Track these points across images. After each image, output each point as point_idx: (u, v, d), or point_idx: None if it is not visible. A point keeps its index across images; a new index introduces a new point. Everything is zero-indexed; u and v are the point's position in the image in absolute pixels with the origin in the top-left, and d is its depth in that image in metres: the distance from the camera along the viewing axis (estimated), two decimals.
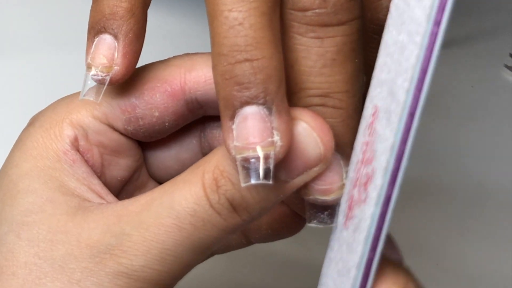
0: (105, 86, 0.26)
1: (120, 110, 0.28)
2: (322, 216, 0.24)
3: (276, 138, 0.22)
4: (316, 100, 0.23)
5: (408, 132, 0.22)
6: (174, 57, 0.28)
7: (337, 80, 0.23)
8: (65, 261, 0.25)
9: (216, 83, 0.23)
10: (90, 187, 0.27)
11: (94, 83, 0.27)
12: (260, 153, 0.22)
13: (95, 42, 0.27)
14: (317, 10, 0.23)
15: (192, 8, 0.49)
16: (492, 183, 0.44)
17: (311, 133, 0.23)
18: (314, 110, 0.23)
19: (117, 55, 0.26)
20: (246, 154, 0.22)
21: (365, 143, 0.23)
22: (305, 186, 0.24)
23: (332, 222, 0.24)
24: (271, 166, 0.22)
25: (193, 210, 0.24)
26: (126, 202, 0.26)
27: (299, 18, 0.23)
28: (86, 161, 0.28)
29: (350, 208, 0.23)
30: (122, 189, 0.29)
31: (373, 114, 0.22)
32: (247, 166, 0.23)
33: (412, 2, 0.21)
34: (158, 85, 0.27)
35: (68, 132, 0.28)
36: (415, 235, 0.42)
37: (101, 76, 0.26)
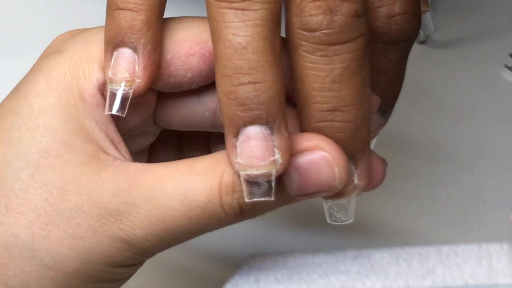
0: (129, 99, 0.27)
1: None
2: (338, 214, 0.26)
3: (277, 156, 0.24)
4: (326, 116, 0.25)
5: None
6: None
7: (345, 95, 0.24)
8: (73, 214, 0.26)
9: (220, 101, 0.24)
10: (107, 134, 0.28)
11: (118, 97, 0.27)
12: (263, 171, 0.24)
13: (114, 55, 0.27)
14: (325, 31, 0.24)
15: (193, 8, 0.49)
16: (492, 182, 0.44)
17: (332, 167, 0.25)
18: (325, 125, 0.25)
19: (138, 68, 0.27)
20: (249, 171, 0.24)
21: None
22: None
23: (348, 219, 0.26)
24: (273, 184, 0.24)
25: (204, 204, 0.26)
26: (140, 168, 0.27)
27: (307, 38, 0.24)
28: None
29: None
30: (126, 131, 0.30)
31: None
32: (250, 182, 0.25)
33: None
34: (197, 48, 0.28)
35: (98, 75, 0.28)
36: (415, 235, 0.42)
37: (125, 90, 0.27)
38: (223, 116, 0.25)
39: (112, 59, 0.27)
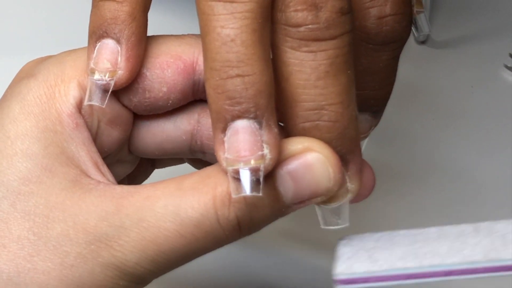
0: (110, 90, 0.27)
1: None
2: (333, 218, 0.25)
3: (266, 151, 0.23)
4: (312, 116, 0.24)
5: None
6: (188, 35, 0.28)
7: (331, 92, 0.24)
8: (60, 242, 0.25)
9: (208, 95, 0.24)
10: (89, 155, 0.27)
11: (98, 87, 0.27)
12: (251, 166, 0.23)
13: (97, 46, 0.27)
14: (310, 26, 0.23)
15: (193, 7, 0.49)
16: (492, 182, 0.44)
17: (326, 167, 0.24)
18: (311, 126, 0.24)
19: (121, 59, 0.26)
20: (237, 166, 0.23)
21: None
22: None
23: (344, 223, 0.25)
24: (261, 179, 0.23)
25: (198, 221, 0.24)
26: (126, 190, 0.26)
27: (292, 34, 0.23)
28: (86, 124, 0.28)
29: None
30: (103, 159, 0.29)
31: None
32: (238, 178, 0.23)
33: None
34: (172, 60, 0.27)
35: (75, 93, 0.27)
36: None
37: (106, 80, 0.26)
38: (211, 112, 0.24)
39: (95, 50, 0.27)
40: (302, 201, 0.25)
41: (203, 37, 0.24)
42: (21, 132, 0.26)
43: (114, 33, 0.26)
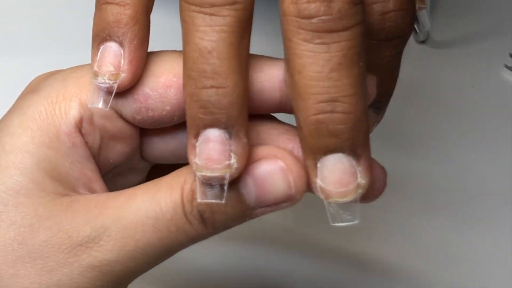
0: (113, 93, 0.27)
1: (132, 99, 0.27)
2: (344, 215, 0.25)
3: (233, 160, 0.24)
4: (326, 107, 0.24)
5: None
6: None
7: (344, 84, 0.23)
8: (42, 249, 0.26)
9: (185, 101, 0.24)
10: (82, 172, 0.27)
11: (102, 90, 0.27)
12: (217, 174, 0.24)
13: (100, 49, 0.27)
14: (322, 17, 0.23)
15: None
16: (492, 183, 0.44)
17: (286, 175, 0.25)
18: (325, 117, 0.24)
19: (123, 62, 0.27)
20: (205, 173, 0.24)
21: None
22: (324, 192, 0.25)
23: (354, 220, 0.25)
24: (226, 187, 0.24)
25: (171, 215, 0.25)
26: (111, 195, 0.26)
27: (305, 25, 0.23)
28: (85, 143, 0.28)
29: None
30: (113, 168, 0.30)
31: None
32: (205, 184, 0.25)
33: None
34: (174, 79, 0.27)
35: (75, 113, 0.27)
36: (415, 235, 0.42)
37: (109, 83, 0.27)
38: (187, 116, 0.25)
39: (99, 53, 0.27)
40: (268, 205, 0.26)
41: (184, 44, 0.24)
42: (17, 146, 0.27)
43: (117, 36, 0.27)
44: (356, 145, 0.24)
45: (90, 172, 0.28)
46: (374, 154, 0.25)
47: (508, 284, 0.40)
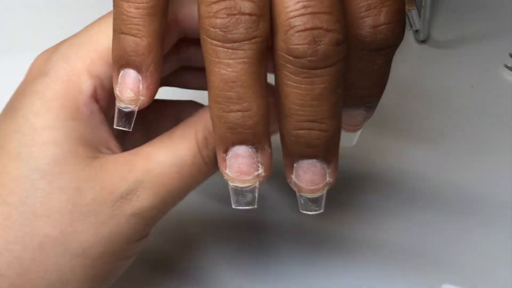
0: (135, 115, 0.31)
1: None
2: (312, 206, 0.30)
3: (260, 170, 0.29)
4: (306, 125, 0.28)
5: None
6: None
7: (323, 110, 0.27)
8: (92, 207, 0.31)
9: (212, 122, 0.28)
10: (101, 134, 0.32)
11: (124, 114, 0.31)
12: (248, 184, 0.29)
13: (121, 74, 0.30)
14: (309, 58, 0.27)
15: None
16: (492, 183, 0.44)
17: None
18: (304, 133, 0.28)
19: (142, 87, 0.30)
20: (237, 184, 0.29)
21: None
22: (297, 186, 0.30)
23: (320, 209, 0.30)
24: (256, 194, 0.29)
25: (191, 162, 0.31)
26: (132, 153, 0.32)
27: (293, 62, 0.27)
28: (100, 107, 0.32)
29: None
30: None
31: None
32: (237, 192, 0.29)
33: None
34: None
35: (88, 85, 0.32)
36: (416, 237, 0.42)
37: (130, 108, 0.31)
38: (215, 134, 0.28)
39: (119, 78, 0.30)
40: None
41: (208, 74, 0.28)
42: (46, 124, 0.31)
43: (135, 64, 0.30)
44: (328, 154, 0.29)
45: (106, 134, 0.32)
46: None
47: (508, 284, 0.40)
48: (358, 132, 0.34)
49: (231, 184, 0.29)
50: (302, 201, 0.30)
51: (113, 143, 0.33)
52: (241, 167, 0.28)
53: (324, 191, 0.30)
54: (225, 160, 0.29)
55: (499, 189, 0.44)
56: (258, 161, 0.29)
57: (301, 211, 0.30)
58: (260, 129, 0.28)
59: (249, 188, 0.29)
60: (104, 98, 0.32)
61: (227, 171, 0.29)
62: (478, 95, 0.49)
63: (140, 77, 0.30)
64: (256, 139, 0.28)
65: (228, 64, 0.27)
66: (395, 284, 0.40)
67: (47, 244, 0.30)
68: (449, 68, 0.51)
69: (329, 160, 0.29)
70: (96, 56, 0.32)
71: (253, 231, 0.42)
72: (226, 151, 0.28)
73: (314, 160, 0.29)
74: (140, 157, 0.31)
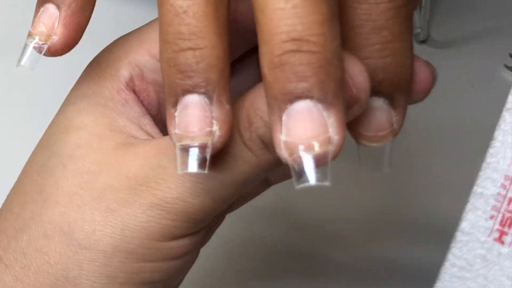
0: (43, 53, 0.27)
1: None
2: (311, 173, 0.21)
3: (215, 128, 0.23)
4: (290, 46, 0.21)
5: None
6: None
7: (311, 21, 0.21)
8: (104, 192, 0.26)
9: (161, 69, 0.23)
10: (140, 126, 0.28)
11: (32, 50, 0.27)
12: (198, 142, 0.23)
13: (40, 11, 0.27)
14: None
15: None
16: None
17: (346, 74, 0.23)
18: (290, 57, 0.21)
19: (57, 24, 0.27)
20: (184, 142, 0.23)
21: None
22: (289, 147, 0.21)
23: (324, 180, 0.21)
24: (208, 156, 0.23)
25: (230, 147, 0.24)
26: (166, 137, 0.26)
27: None
28: (142, 101, 0.29)
29: (503, 224, 0.24)
30: None
31: None
32: (186, 154, 0.23)
33: None
34: None
35: (124, 72, 0.28)
36: (422, 235, 0.42)
37: (39, 44, 0.27)
38: (164, 85, 0.23)
39: (38, 15, 0.27)
40: None
41: (158, 9, 0.23)
42: (77, 110, 0.28)
43: None
44: (326, 90, 0.21)
45: (148, 127, 0.28)
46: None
47: None
48: (387, 149, 0.26)
49: (178, 144, 0.23)
50: (297, 169, 0.21)
51: (158, 136, 0.28)
52: (190, 120, 0.23)
53: (327, 151, 0.21)
54: (174, 117, 0.23)
55: None
56: (212, 116, 0.23)
57: (297, 186, 0.22)
58: (215, 75, 0.22)
59: (199, 147, 0.23)
60: (145, 91, 0.29)
61: (175, 131, 0.23)
62: (478, 95, 0.49)
63: (58, 14, 0.27)
64: (210, 87, 0.23)
65: None
66: None
67: (52, 233, 0.27)
68: (449, 68, 0.51)
69: (328, 102, 0.21)
70: (138, 46, 0.29)
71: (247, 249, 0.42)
72: (175, 104, 0.23)
73: (309, 102, 0.21)
74: (168, 141, 0.26)
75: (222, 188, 0.25)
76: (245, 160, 0.25)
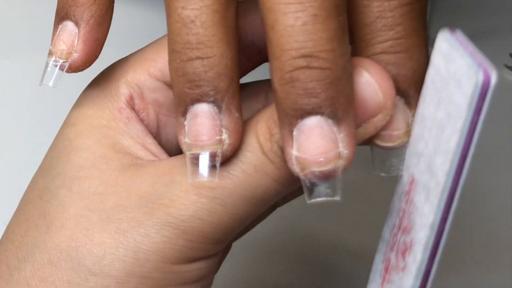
0: (64, 71, 0.27)
1: None
2: (322, 188, 0.22)
3: (225, 136, 0.23)
4: (300, 62, 0.21)
5: (448, 212, 0.22)
6: None
7: (320, 38, 0.21)
8: (113, 212, 0.25)
9: (171, 79, 0.24)
10: (145, 146, 0.27)
11: (53, 69, 0.27)
12: (208, 151, 0.23)
13: (59, 29, 0.27)
14: None
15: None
16: (492, 183, 0.44)
17: (371, 81, 0.23)
18: (300, 73, 0.21)
19: (77, 41, 0.26)
20: (194, 151, 0.23)
21: (402, 210, 0.23)
22: (300, 163, 0.22)
23: (334, 195, 0.22)
24: (218, 164, 0.23)
25: (244, 156, 0.24)
26: (180, 155, 0.25)
27: None
28: (142, 120, 0.28)
29: (387, 271, 0.24)
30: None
31: (411, 183, 0.23)
32: (196, 163, 0.23)
33: (452, 84, 0.21)
34: None
35: (124, 91, 0.28)
36: None
37: (60, 62, 0.27)
38: (174, 94, 0.24)
39: (57, 32, 0.27)
40: (358, 124, 0.23)
41: (167, 18, 0.23)
42: (79, 131, 0.27)
43: (73, 16, 0.26)
44: (336, 106, 0.22)
45: (151, 146, 0.27)
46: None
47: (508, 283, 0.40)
48: (403, 151, 0.25)
49: (188, 153, 0.23)
50: (308, 184, 0.22)
51: (163, 156, 0.27)
52: (199, 129, 0.23)
53: (338, 166, 0.22)
54: (183, 127, 0.23)
55: (499, 189, 0.44)
56: (221, 124, 0.23)
57: (309, 201, 0.22)
58: (224, 83, 0.23)
59: (209, 156, 0.23)
60: (144, 110, 0.28)
61: (185, 140, 0.23)
62: None
63: (77, 31, 0.26)
64: (218, 95, 0.23)
65: (186, 1, 0.23)
66: None
67: (58, 259, 0.25)
68: None
69: (338, 118, 0.22)
70: (138, 66, 0.28)
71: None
72: (185, 113, 0.23)
73: (319, 118, 0.21)
74: (181, 159, 0.25)
75: (240, 203, 0.24)
76: (266, 172, 0.24)
